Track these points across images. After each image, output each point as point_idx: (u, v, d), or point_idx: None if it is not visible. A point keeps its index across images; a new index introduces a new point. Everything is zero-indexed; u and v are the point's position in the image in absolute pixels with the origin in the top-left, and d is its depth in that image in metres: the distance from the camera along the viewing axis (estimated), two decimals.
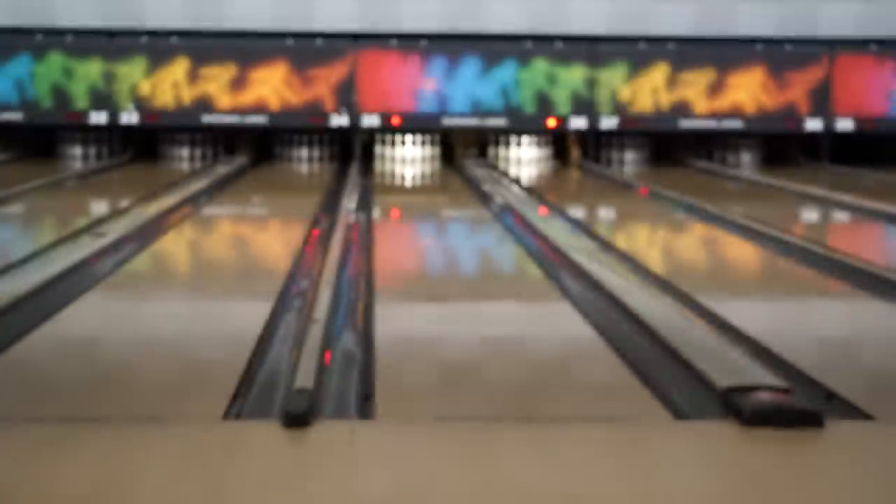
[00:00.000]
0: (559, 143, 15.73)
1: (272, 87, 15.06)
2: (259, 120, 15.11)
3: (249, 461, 3.36)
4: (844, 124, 15.31)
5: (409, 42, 14.98)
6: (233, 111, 15.01)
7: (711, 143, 15.68)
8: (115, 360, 4.82)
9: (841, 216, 10.75)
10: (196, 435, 3.61)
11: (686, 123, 15.05)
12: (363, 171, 14.14)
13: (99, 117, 14.95)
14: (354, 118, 14.96)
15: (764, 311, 5.88)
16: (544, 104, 15.14)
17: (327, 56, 15.00)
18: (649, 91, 15.01)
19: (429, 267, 7.40)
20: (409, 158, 15.71)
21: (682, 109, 15.00)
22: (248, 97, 15.05)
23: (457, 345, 5.27)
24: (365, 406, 4.10)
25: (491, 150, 15.53)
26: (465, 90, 15.12)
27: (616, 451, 3.44)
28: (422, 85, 15.10)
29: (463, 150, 15.40)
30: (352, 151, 15.30)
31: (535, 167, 15.30)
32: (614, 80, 14.96)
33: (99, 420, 3.73)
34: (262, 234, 9.38)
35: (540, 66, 15.00)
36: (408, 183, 13.96)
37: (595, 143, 15.59)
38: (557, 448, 3.49)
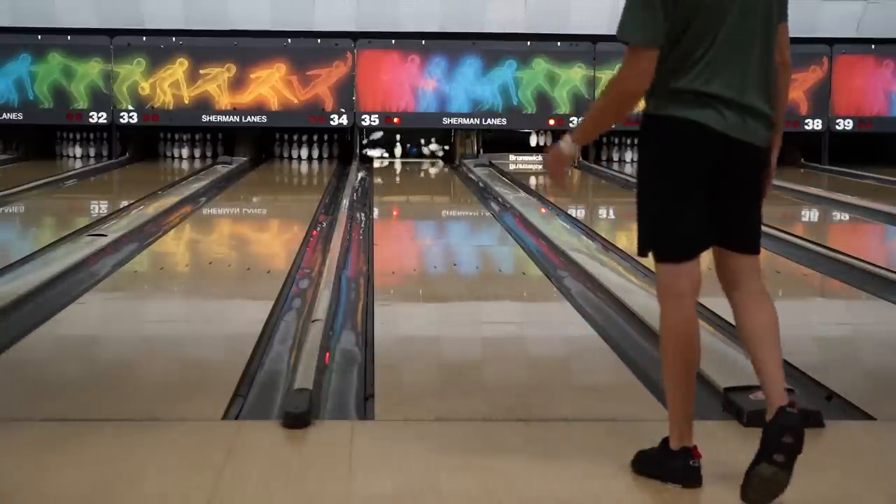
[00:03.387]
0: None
1: (272, 86, 15.05)
2: (259, 120, 15.10)
3: (249, 461, 3.36)
4: (843, 124, 15.32)
5: (408, 42, 14.96)
6: (233, 111, 15.01)
7: None
8: (115, 360, 4.81)
9: (841, 216, 10.74)
10: (196, 435, 3.61)
11: None
12: (363, 170, 14.13)
13: (99, 117, 14.95)
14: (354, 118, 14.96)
15: None
16: (544, 104, 15.14)
17: (327, 56, 14.98)
18: None
19: (428, 266, 7.39)
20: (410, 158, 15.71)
21: None
22: (247, 97, 15.04)
23: (457, 345, 5.26)
24: (365, 406, 4.10)
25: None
26: (465, 90, 15.12)
27: (616, 451, 3.43)
28: (422, 85, 15.08)
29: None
30: (352, 151, 15.29)
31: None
32: None
33: (99, 420, 3.74)
34: (262, 234, 9.37)
35: (540, 65, 14.99)
36: (408, 182, 13.95)
37: (595, 143, 15.58)
38: (557, 448, 3.49)
